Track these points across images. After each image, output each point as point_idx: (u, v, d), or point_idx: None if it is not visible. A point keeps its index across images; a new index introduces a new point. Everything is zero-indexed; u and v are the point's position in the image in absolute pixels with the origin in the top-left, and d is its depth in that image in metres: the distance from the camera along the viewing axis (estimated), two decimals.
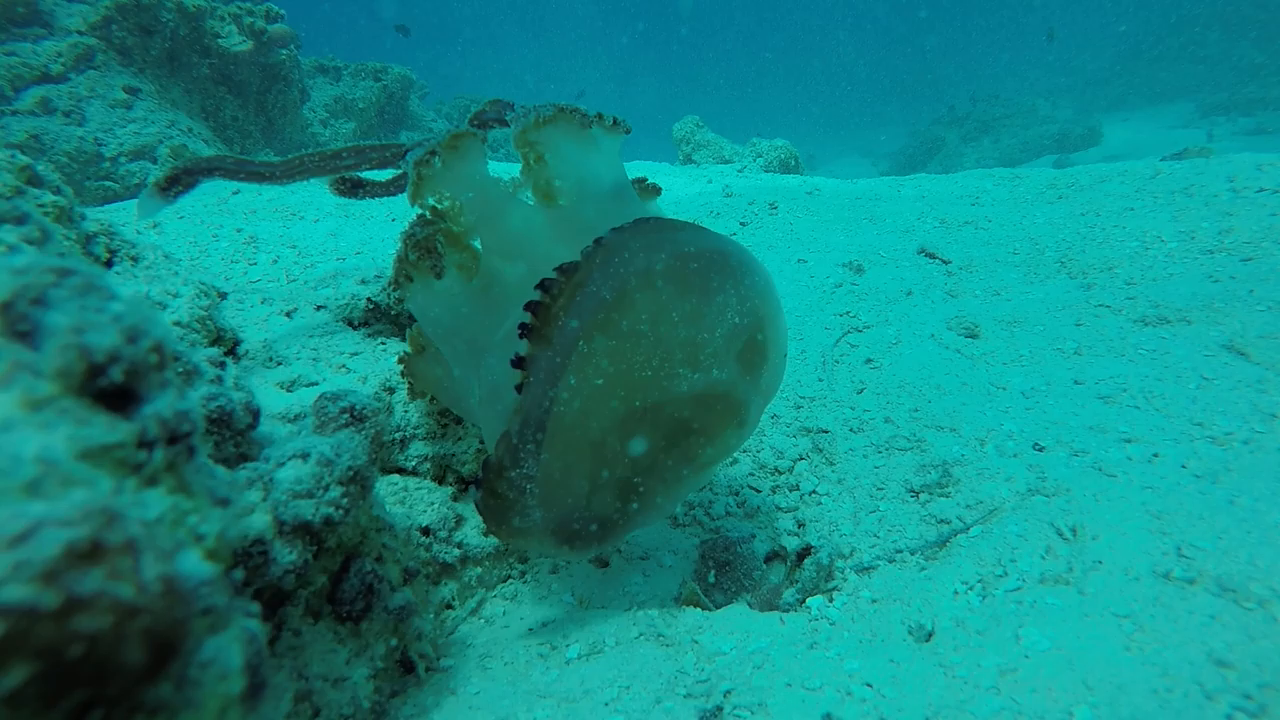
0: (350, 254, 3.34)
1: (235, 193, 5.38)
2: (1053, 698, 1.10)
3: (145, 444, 0.50)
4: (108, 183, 6.30)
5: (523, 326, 1.11)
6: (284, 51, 8.15)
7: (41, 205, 1.72)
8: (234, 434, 1.05)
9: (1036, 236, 3.42)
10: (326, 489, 1.04)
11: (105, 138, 6.34)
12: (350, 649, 1.27)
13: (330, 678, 1.19)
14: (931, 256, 3.09)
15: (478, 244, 1.35)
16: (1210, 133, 14.36)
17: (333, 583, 1.25)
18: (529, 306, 1.11)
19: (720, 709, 1.17)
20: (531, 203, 1.31)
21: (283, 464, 1.05)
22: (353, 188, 1.99)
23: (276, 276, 3.13)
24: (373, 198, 2.08)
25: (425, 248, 1.32)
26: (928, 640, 1.31)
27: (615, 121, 1.29)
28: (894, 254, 3.22)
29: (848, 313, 2.59)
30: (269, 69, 8.23)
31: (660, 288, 1.12)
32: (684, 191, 5.41)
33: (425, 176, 1.24)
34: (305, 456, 1.08)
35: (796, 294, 2.79)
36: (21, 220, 0.96)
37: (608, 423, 1.15)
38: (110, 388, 0.49)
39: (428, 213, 1.33)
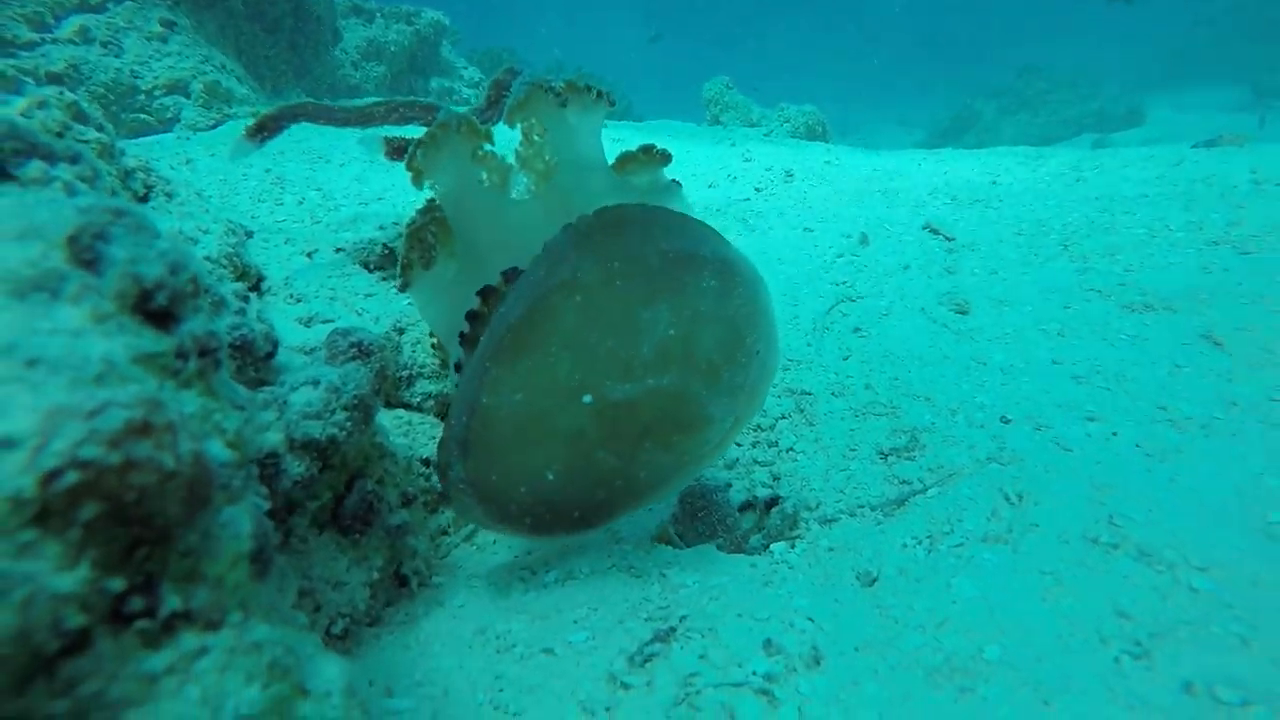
0: (373, 199, 3.46)
1: None
2: (969, 638, 1.23)
3: (181, 355, 0.63)
4: (142, 115, 6.43)
5: (461, 334, 1.20)
6: None
7: (86, 141, 1.86)
8: (254, 360, 1.19)
9: (1044, 218, 3.46)
10: (333, 412, 1.18)
11: (141, 70, 6.46)
12: (350, 559, 1.42)
13: (331, 580, 1.35)
14: (935, 233, 3.15)
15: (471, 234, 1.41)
16: (1263, 118, 13.88)
17: (337, 501, 1.40)
18: (468, 315, 1.20)
19: (674, 629, 1.31)
20: (526, 181, 1.39)
21: (296, 389, 1.19)
22: (401, 152, 2.11)
23: (301, 218, 3.26)
24: None
25: (418, 238, 1.41)
26: (871, 585, 1.44)
27: (599, 94, 1.37)
28: (900, 228, 3.29)
29: (844, 282, 2.68)
30: (301, 7, 8.27)
31: (580, 301, 1.13)
32: (705, 154, 5.45)
33: (413, 168, 1.33)
34: (316, 383, 1.22)
35: (798, 261, 2.88)
36: (75, 159, 1.09)
37: (543, 429, 1.19)
38: (156, 309, 0.62)
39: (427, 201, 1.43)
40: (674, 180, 1.63)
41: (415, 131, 2.14)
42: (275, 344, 1.33)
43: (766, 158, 5.18)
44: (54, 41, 5.97)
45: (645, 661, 1.24)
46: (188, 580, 0.56)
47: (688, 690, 1.17)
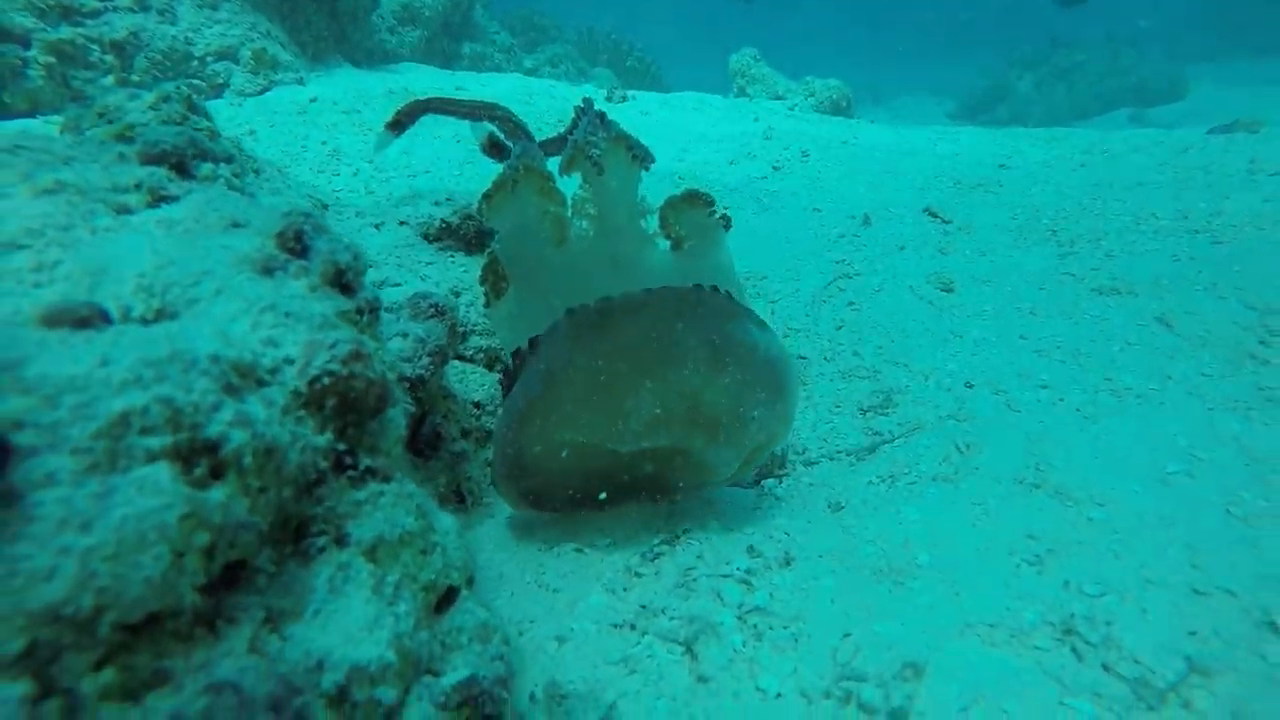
0: (421, 171, 3.80)
1: (313, 100, 5.83)
2: (908, 549, 1.57)
3: (359, 311, 0.97)
4: (195, 80, 6.77)
5: (502, 373, 1.52)
6: None
7: (199, 130, 2.20)
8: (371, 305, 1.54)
9: (1039, 204, 3.72)
10: (420, 358, 1.54)
11: (194, 37, 6.79)
12: (421, 476, 1.79)
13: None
14: (934, 216, 3.43)
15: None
16: None
17: (413, 429, 1.76)
18: (503, 371, 1.52)
19: (678, 537, 1.66)
20: (582, 224, 1.67)
21: (391, 338, 1.55)
22: (497, 150, 2.46)
23: (357, 189, 3.61)
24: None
25: (491, 270, 1.75)
26: (839, 511, 1.78)
27: (635, 157, 1.63)
28: (902, 210, 3.57)
29: (843, 260, 2.99)
30: None
31: (575, 388, 1.37)
32: (729, 130, 5.70)
33: (483, 210, 1.65)
34: (405, 335, 1.57)
35: (803, 240, 3.18)
36: (230, 159, 1.44)
37: (576, 467, 1.51)
38: (345, 283, 0.96)
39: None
40: (720, 216, 1.75)
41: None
42: (365, 267, 1.68)
43: (787, 135, 5.43)
44: (115, 10, 6.31)
45: (654, 559, 1.60)
46: (373, 451, 0.91)
47: (686, 578, 1.52)
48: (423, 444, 1.76)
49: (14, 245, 1.05)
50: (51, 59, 5.75)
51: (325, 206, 2.51)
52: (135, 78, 6.41)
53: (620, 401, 1.36)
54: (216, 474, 0.70)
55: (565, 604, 1.48)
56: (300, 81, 7.22)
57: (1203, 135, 5.75)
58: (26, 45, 5.65)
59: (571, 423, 1.41)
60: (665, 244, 1.75)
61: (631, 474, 1.62)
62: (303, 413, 0.82)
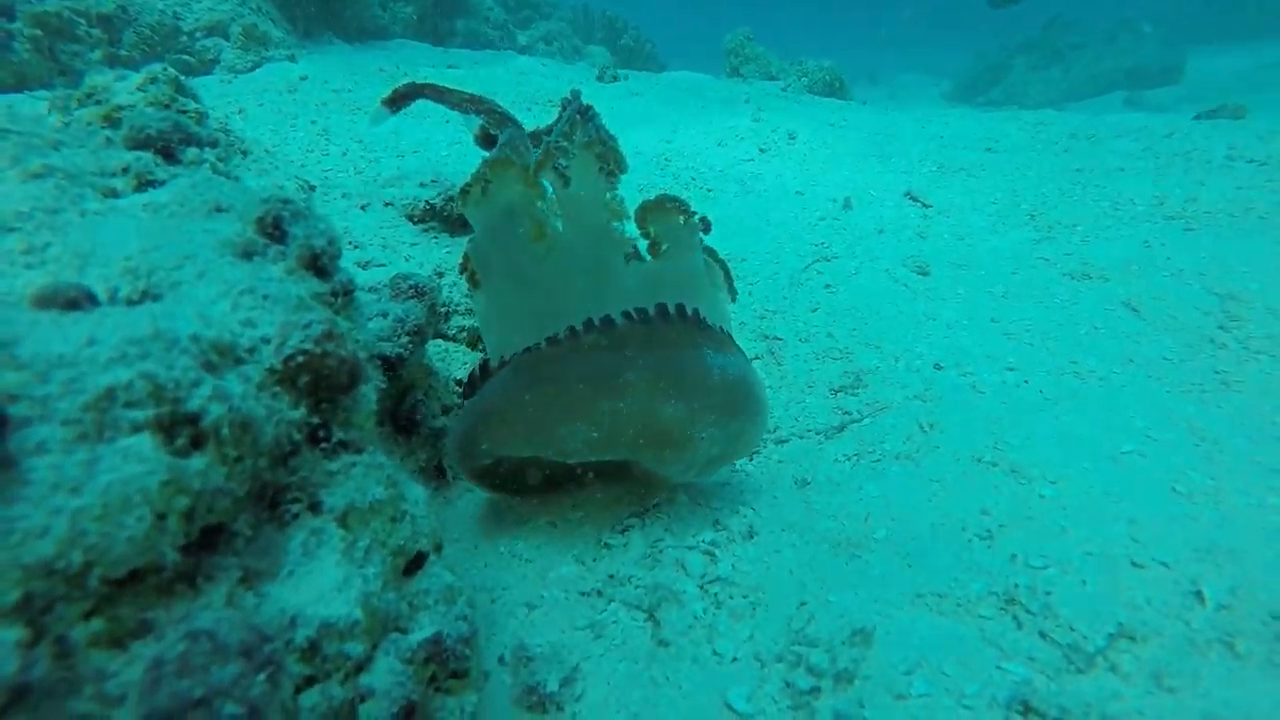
0: (409, 151, 3.82)
1: (303, 78, 5.82)
2: (866, 524, 1.65)
3: (334, 294, 1.03)
4: (185, 56, 6.75)
5: (470, 378, 1.55)
6: None
7: (185, 111, 2.24)
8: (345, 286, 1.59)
9: (1020, 188, 3.77)
10: (399, 337, 1.59)
11: (183, 12, 6.75)
12: (403, 451, 1.85)
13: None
14: (915, 200, 3.48)
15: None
16: None
17: (393, 406, 1.82)
18: (470, 374, 1.56)
19: (648, 511, 1.73)
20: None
21: (370, 318, 1.60)
22: (490, 142, 2.48)
23: (345, 169, 3.63)
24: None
25: (465, 267, 1.78)
26: (804, 487, 1.85)
27: (602, 167, 1.58)
28: (884, 194, 3.62)
29: (823, 243, 3.04)
30: None
31: (513, 419, 1.43)
32: (718, 112, 5.71)
33: (462, 204, 1.68)
34: (385, 315, 1.63)
35: (785, 223, 3.23)
36: (215, 144, 1.48)
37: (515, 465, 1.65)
38: (320, 266, 1.02)
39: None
40: (700, 219, 1.73)
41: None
42: (354, 286, 1.74)
43: (776, 117, 5.45)
44: None
45: (624, 531, 1.67)
46: (345, 425, 0.97)
47: (653, 550, 1.60)
48: (403, 420, 1.83)
49: (5, 228, 1.11)
50: (37, 32, 5.72)
51: (312, 187, 2.55)
52: (124, 53, 6.38)
53: (554, 429, 1.42)
54: (196, 444, 0.77)
55: (537, 573, 1.55)
56: (291, 58, 7.19)
57: (1189, 121, 5.80)
58: (10, 17, 5.61)
59: (513, 446, 1.48)
60: (643, 244, 1.76)
61: (585, 470, 1.70)
62: (278, 389, 0.88)
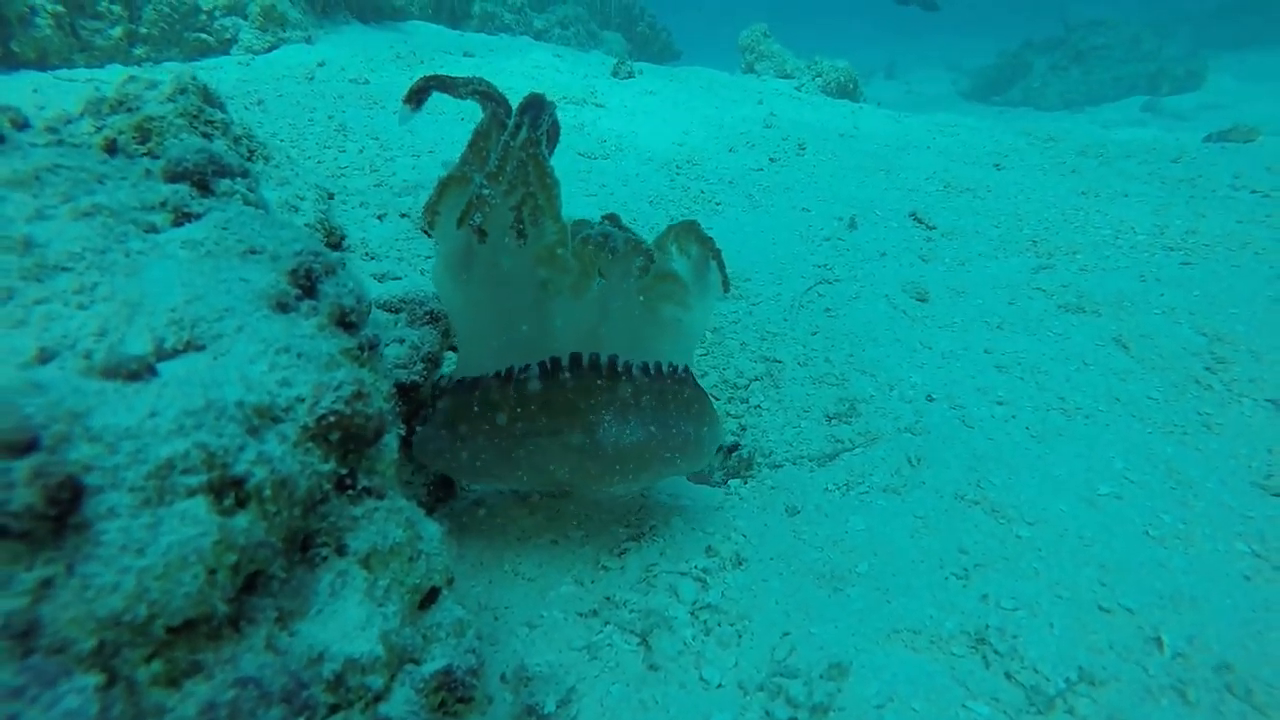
0: (425, 151, 3.89)
1: (320, 64, 5.87)
2: (850, 556, 1.74)
3: (361, 348, 1.12)
4: (203, 35, 6.79)
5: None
6: None
7: (212, 121, 2.31)
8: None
9: (1023, 212, 3.84)
10: (415, 364, 1.68)
11: None
12: (414, 466, 1.94)
13: (402, 480, 1.87)
14: (919, 221, 3.55)
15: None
16: None
17: (406, 424, 1.91)
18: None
19: (644, 534, 1.83)
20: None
21: (388, 345, 1.69)
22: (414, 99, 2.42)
23: (361, 166, 3.71)
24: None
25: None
26: (794, 516, 1.94)
27: (535, 215, 1.53)
28: (888, 213, 3.68)
29: (826, 265, 3.12)
30: None
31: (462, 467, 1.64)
32: (732, 113, 5.76)
33: (426, 227, 1.70)
34: (402, 341, 1.72)
35: (789, 243, 3.31)
36: (245, 174, 1.56)
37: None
38: (349, 322, 1.10)
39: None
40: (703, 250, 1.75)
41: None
42: (370, 307, 1.82)
43: (788, 123, 5.50)
44: None
45: (621, 554, 1.77)
46: (369, 472, 1.07)
47: (648, 574, 1.69)
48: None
49: (59, 268, 1.19)
50: (59, 8, 5.77)
51: (331, 196, 2.63)
52: (143, 29, 6.43)
53: (501, 476, 1.64)
54: (241, 503, 0.86)
55: (538, 592, 1.65)
56: (308, 40, 7.23)
57: (1198, 143, 5.83)
58: None
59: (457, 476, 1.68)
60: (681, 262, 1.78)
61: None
62: (311, 444, 0.97)
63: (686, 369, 1.72)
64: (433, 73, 2.06)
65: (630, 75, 6.87)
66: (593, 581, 1.68)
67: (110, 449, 0.78)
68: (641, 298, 1.63)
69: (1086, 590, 1.63)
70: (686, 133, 5.13)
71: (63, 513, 0.71)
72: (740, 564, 1.73)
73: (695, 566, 1.71)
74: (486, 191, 1.52)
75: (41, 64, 5.66)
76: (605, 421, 1.56)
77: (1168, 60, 18.60)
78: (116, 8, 6.23)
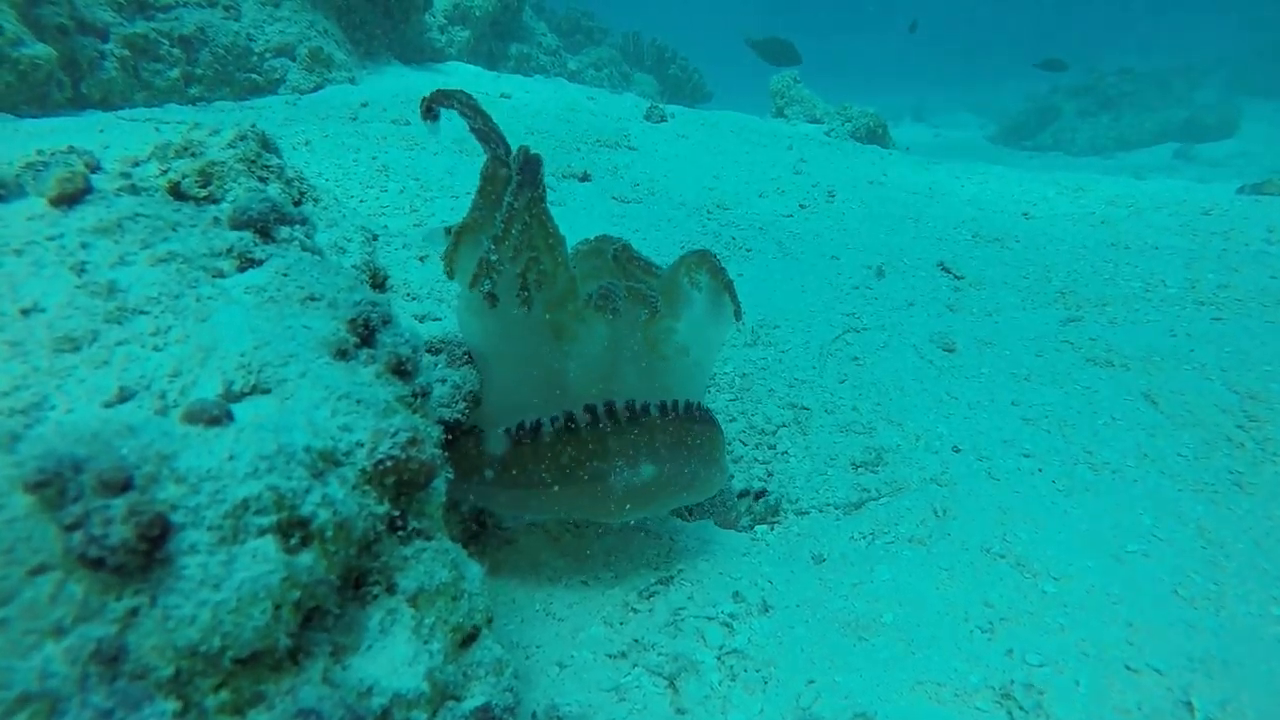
0: (464, 193, 4.02)
1: (364, 105, 6.08)
2: (875, 606, 1.76)
3: (414, 395, 1.18)
4: (253, 75, 7.10)
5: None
6: None
7: (268, 166, 2.44)
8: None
9: (1053, 263, 3.86)
10: (456, 403, 1.75)
11: (255, 34, 7.11)
12: (445, 507, 2.00)
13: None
14: (947, 271, 3.59)
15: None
16: None
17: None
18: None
19: (672, 578, 1.86)
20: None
21: (432, 385, 1.76)
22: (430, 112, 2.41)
23: (402, 206, 3.84)
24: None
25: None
26: (820, 563, 1.97)
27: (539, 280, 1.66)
28: (916, 262, 3.73)
29: (854, 314, 3.16)
30: None
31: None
32: (762, 158, 5.87)
33: (447, 270, 1.82)
34: (444, 381, 1.79)
35: (818, 290, 3.36)
36: (304, 221, 1.66)
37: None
38: (404, 370, 1.17)
39: None
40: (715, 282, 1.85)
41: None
42: (422, 356, 1.90)
43: (818, 169, 5.59)
44: (185, 5, 6.62)
45: (649, 596, 1.80)
46: (419, 515, 1.13)
47: (676, 618, 1.72)
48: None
49: (138, 311, 1.28)
50: (126, 52, 6.08)
51: (375, 237, 2.73)
52: (199, 71, 6.73)
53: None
54: (305, 543, 0.92)
55: (569, 632, 1.69)
56: (352, 80, 7.51)
57: (1230, 194, 5.82)
58: (104, 38, 5.98)
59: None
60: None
61: None
62: (368, 487, 1.03)
63: (699, 405, 1.82)
64: (444, 89, 2.07)
65: (662, 119, 7.04)
66: (622, 623, 1.72)
67: (193, 489, 0.84)
68: (648, 346, 1.74)
69: (1114, 649, 1.63)
70: (718, 177, 5.23)
71: (151, 548, 0.78)
72: (767, 610, 1.76)
73: (722, 611, 1.74)
74: (494, 258, 1.60)
75: (106, 104, 5.95)
76: (618, 467, 1.67)
77: (1200, 107, 18.54)
78: (176, 51, 6.54)
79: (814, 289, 3.36)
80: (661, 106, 7.52)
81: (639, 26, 15.75)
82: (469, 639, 1.16)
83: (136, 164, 2.54)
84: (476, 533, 2.10)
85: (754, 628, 1.70)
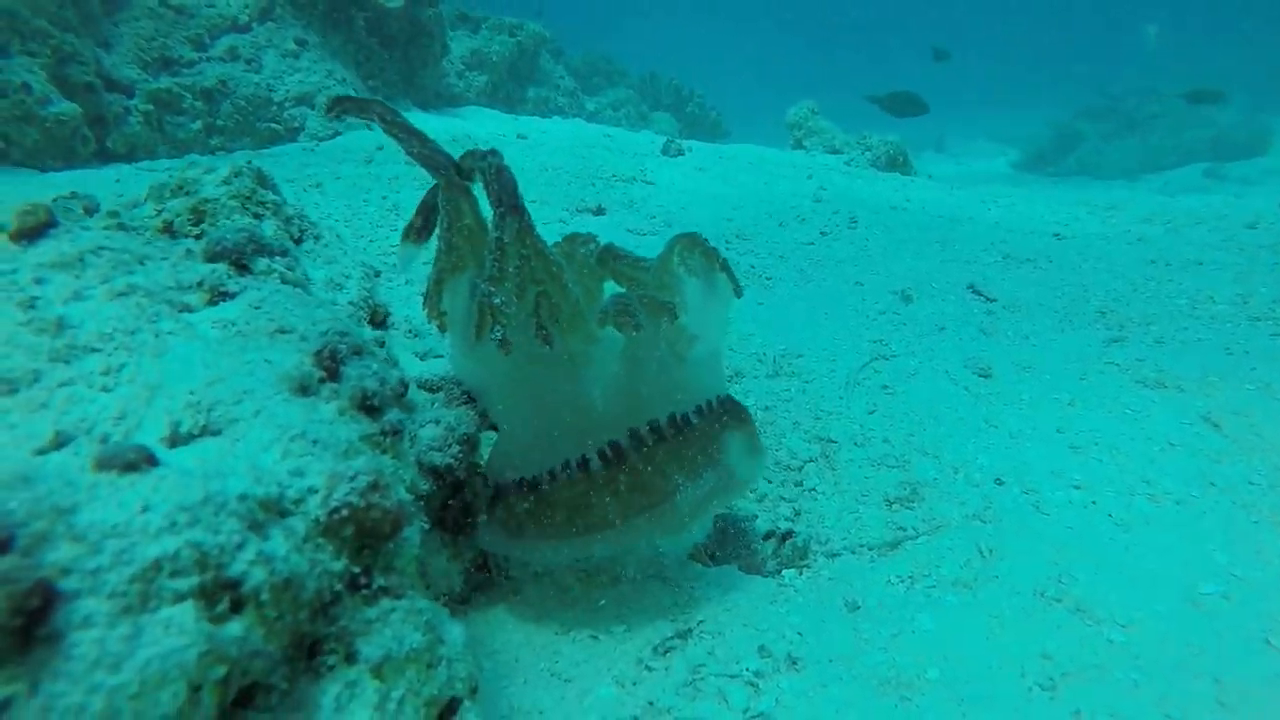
0: None
1: (379, 148, 6.10)
2: (918, 660, 1.57)
3: (383, 434, 1.05)
4: (273, 124, 7.19)
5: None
6: (430, 10, 8.83)
7: (264, 202, 2.36)
8: (396, 398, 1.63)
9: (1090, 282, 3.66)
10: (450, 446, 1.61)
11: (275, 84, 7.22)
12: (450, 552, 1.86)
13: (437, 570, 1.78)
14: (978, 294, 3.41)
15: None
16: None
17: (442, 505, 1.83)
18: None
19: (691, 630, 1.69)
20: None
21: (423, 425, 1.63)
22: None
23: None
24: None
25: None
26: (854, 611, 1.78)
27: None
28: (945, 286, 3.55)
29: (881, 340, 2.99)
30: (418, 24, 8.93)
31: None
32: (781, 188, 5.76)
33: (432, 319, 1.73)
34: (437, 422, 1.65)
35: (843, 316, 3.20)
36: (284, 253, 1.55)
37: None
38: (371, 406, 1.04)
39: None
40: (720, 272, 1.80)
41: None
42: (406, 386, 1.77)
43: (839, 197, 5.46)
44: (208, 60, 6.76)
45: (666, 652, 1.63)
46: (386, 570, 0.98)
47: (695, 676, 1.55)
48: (451, 523, 1.83)
49: (89, 349, 1.17)
50: (150, 107, 6.19)
51: (377, 273, 2.64)
52: (220, 122, 6.83)
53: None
54: (236, 608, 0.78)
55: (575, 696, 1.52)
56: (369, 126, 7.58)
57: (1276, 206, 5.57)
58: (130, 95, 6.10)
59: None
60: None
61: None
62: (322, 539, 0.89)
63: (728, 398, 1.77)
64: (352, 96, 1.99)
65: (680, 153, 6.98)
66: (635, 684, 1.55)
67: (93, 549, 0.71)
68: (668, 350, 1.66)
69: (1201, 709, 1.42)
70: (736, 208, 5.13)
71: (29, 623, 0.64)
72: (796, 666, 1.58)
73: (746, 668, 1.56)
74: (498, 301, 1.49)
75: (130, 156, 6.03)
76: (681, 486, 1.63)
77: (1227, 125, 18.19)
78: (199, 104, 6.65)
79: (838, 316, 3.20)
80: (679, 141, 7.47)
81: (657, 67, 15.91)
82: (447, 712, 1.00)
83: (134, 205, 2.48)
84: (480, 583, 1.95)
85: (782, 687, 1.52)
